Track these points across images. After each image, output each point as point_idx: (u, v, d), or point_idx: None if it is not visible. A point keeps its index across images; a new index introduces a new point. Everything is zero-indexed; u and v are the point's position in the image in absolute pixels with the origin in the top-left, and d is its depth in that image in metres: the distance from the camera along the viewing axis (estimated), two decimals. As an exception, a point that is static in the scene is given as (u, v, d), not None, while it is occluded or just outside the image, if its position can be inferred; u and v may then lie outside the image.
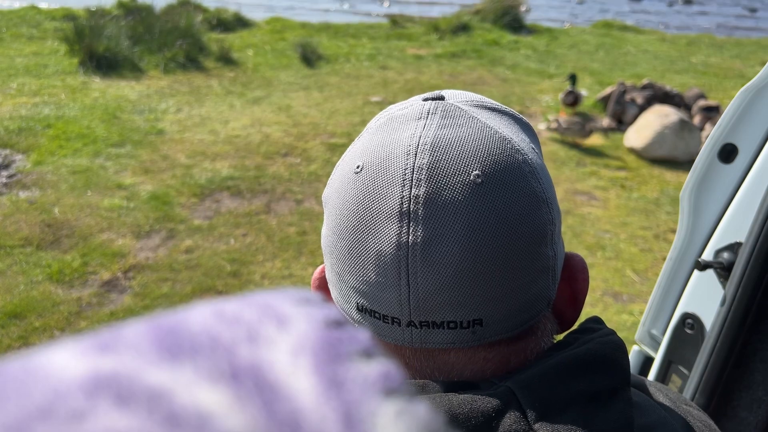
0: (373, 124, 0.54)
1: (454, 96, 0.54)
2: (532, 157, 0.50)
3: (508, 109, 0.55)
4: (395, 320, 0.48)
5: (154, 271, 3.50)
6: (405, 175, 0.47)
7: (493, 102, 0.54)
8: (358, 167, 0.50)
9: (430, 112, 0.50)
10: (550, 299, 0.50)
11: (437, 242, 0.45)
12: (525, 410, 0.44)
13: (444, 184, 0.46)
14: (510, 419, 0.43)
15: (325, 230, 0.53)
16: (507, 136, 0.49)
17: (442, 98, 0.53)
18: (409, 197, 0.46)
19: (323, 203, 0.54)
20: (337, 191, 0.51)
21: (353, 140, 0.56)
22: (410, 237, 0.46)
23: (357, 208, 0.48)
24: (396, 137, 0.49)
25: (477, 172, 0.46)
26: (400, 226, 0.46)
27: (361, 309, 0.50)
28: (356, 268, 0.49)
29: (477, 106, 0.53)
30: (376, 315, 0.49)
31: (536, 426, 0.43)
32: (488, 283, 0.46)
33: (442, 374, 0.50)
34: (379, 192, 0.47)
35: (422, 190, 0.46)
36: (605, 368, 0.47)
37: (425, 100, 0.53)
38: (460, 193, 0.46)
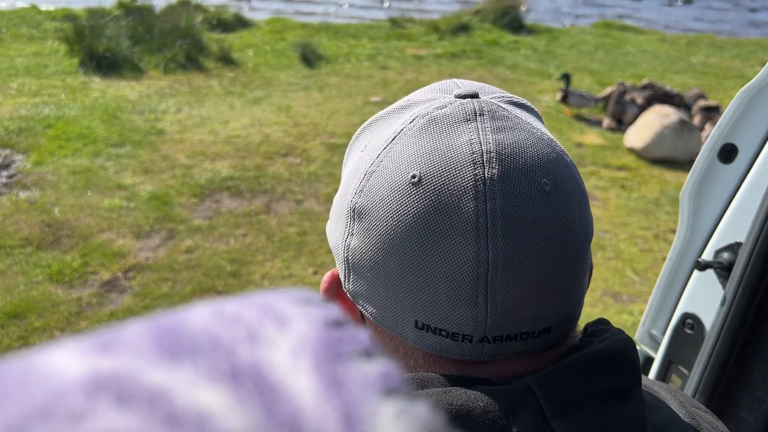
0: (407, 125, 0.49)
1: (483, 91, 0.51)
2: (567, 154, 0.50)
3: (526, 101, 0.54)
4: (466, 337, 0.46)
5: (154, 271, 3.50)
6: (477, 187, 0.44)
7: (512, 95, 0.53)
8: (414, 177, 0.45)
9: (477, 113, 0.47)
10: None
11: (518, 257, 0.44)
12: (542, 406, 0.44)
13: (519, 196, 0.44)
14: (527, 414, 0.43)
15: (359, 244, 0.48)
16: (551, 137, 0.49)
17: (476, 95, 0.50)
18: (485, 211, 0.43)
19: (356, 214, 0.49)
20: (387, 204, 0.46)
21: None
22: (490, 253, 0.43)
23: (422, 224, 0.45)
24: (451, 143, 0.46)
25: (545, 179, 0.45)
26: (477, 242, 0.43)
27: (421, 327, 0.47)
28: (419, 285, 0.45)
29: (509, 102, 0.51)
30: (443, 333, 0.46)
31: (553, 422, 0.43)
32: (561, 293, 0.46)
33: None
34: (449, 207, 0.44)
35: (498, 203, 0.44)
36: (619, 366, 0.47)
37: (460, 97, 0.49)
38: (535, 204, 0.44)
